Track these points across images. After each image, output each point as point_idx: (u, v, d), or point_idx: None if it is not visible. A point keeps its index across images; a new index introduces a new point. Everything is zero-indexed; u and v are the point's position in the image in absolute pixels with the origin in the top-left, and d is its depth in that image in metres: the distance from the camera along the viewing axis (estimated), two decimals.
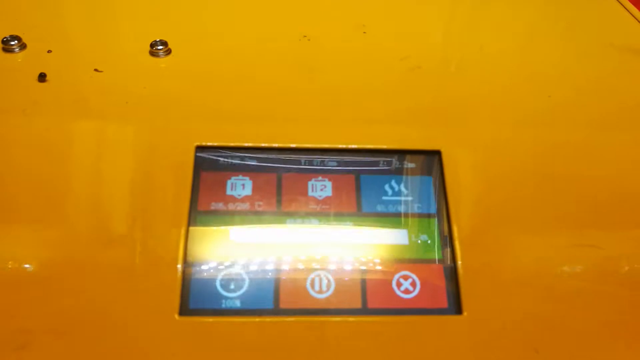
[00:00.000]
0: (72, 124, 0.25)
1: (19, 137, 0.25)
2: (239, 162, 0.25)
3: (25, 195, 0.23)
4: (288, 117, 0.27)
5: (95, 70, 0.28)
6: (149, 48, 0.30)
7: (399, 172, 0.26)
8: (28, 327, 0.21)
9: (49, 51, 0.29)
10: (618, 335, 0.22)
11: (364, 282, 0.23)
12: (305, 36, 0.32)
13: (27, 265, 0.22)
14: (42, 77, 0.27)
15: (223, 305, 0.22)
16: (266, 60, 0.30)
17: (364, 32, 0.33)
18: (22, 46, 0.29)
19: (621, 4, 0.37)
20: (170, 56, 0.30)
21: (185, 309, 0.22)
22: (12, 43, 0.29)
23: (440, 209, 0.25)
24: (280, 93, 0.28)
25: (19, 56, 0.29)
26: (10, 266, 0.21)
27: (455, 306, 0.23)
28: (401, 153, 0.26)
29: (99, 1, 0.33)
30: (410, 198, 0.25)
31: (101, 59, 0.29)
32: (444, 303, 0.23)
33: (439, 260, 0.24)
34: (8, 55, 0.29)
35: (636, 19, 0.36)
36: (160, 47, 0.29)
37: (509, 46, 0.32)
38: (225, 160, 0.25)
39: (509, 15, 0.36)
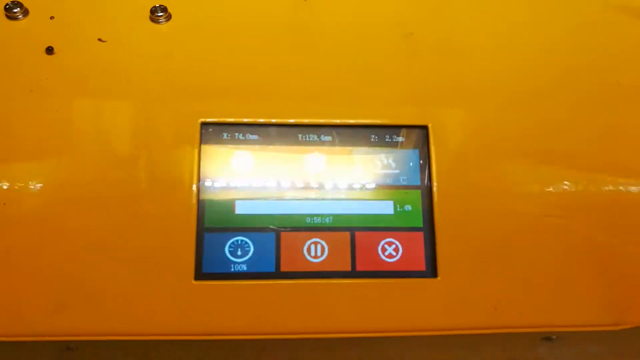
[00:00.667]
0: (81, 101, 0.27)
1: (32, 114, 0.27)
2: (242, 135, 0.27)
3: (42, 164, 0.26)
4: (285, 93, 0.28)
5: (99, 40, 0.29)
6: (149, 14, 0.30)
7: (388, 146, 0.28)
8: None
9: (52, 17, 0.30)
10: (563, 297, 0.26)
11: (353, 248, 0.26)
12: None
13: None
14: (49, 50, 0.28)
15: (230, 270, 0.26)
16: (265, 25, 0.31)
17: None
18: (25, 12, 0.30)
19: None
20: (170, 22, 0.30)
21: (199, 274, 0.25)
22: (15, 10, 0.29)
23: (425, 182, 0.27)
24: (277, 66, 0.29)
25: (22, 23, 0.30)
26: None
27: (432, 270, 0.26)
28: (391, 128, 0.28)
29: None
30: (397, 171, 0.28)
31: (103, 27, 0.30)
32: (422, 267, 0.26)
33: (419, 229, 0.27)
34: (12, 22, 0.29)
35: None
36: (160, 14, 0.30)
37: (501, 25, 0.32)
38: (228, 136, 0.27)
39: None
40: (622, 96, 0.30)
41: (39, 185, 0.25)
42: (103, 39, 0.29)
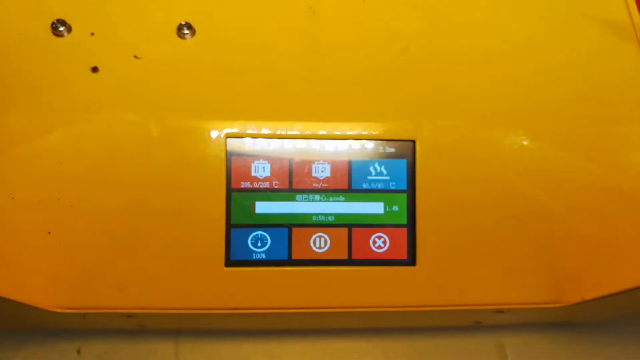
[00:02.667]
0: (126, 117, 0.32)
1: (84, 132, 0.32)
2: (257, 150, 0.33)
3: (91, 179, 0.31)
4: (295, 112, 0.33)
5: (135, 57, 0.34)
6: (176, 31, 0.34)
7: (381, 156, 0.34)
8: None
9: (92, 34, 0.34)
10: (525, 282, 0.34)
11: (349, 241, 0.33)
12: (311, 7, 0.36)
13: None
14: (94, 70, 0.33)
15: (253, 257, 0.32)
16: (277, 39, 0.35)
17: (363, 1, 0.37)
18: (69, 29, 0.34)
19: None
20: (195, 37, 0.35)
21: (228, 261, 0.32)
22: (61, 29, 0.34)
23: (410, 187, 0.33)
24: (288, 84, 0.34)
25: (67, 39, 0.34)
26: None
27: (412, 259, 0.33)
28: (384, 141, 0.34)
29: None
30: (387, 177, 0.34)
31: (137, 43, 0.34)
32: (404, 256, 0.33)
33: (404, 225, 0.33)
34: (57, 39, 0.34)
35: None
36: (186, 32, 0.34)
37: (493, 42, 0.37)
38: (249, 148, 0.33)
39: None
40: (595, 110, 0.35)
41: (99, 190, 0.31)
42: (138, 56, 0.34)
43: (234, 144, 0.33)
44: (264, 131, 0.33)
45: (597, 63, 0.37)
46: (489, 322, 0.40)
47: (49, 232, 0.31)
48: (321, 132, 0.33)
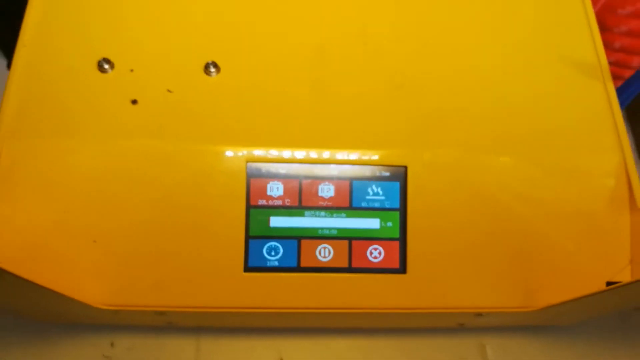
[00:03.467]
0: (161, 143, 0.38)
1: (126, 155, 0.37)
2: (272, 172, 0.39)
3: (123, 197, 0.37)
4: (305, 140, 0.39)
5: (168, 90, 0.39)
6: (203, 68, 0.40)
7: (378, 179, 0.39)
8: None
9: (132, 70, 0.40)
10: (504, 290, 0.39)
11: (350, 252, 0.39)
12: (320, 48, 0.42)
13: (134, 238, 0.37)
14: (134, 102, 0.39)
15: (267, 265, 0.38)
16: (290, 77, 0.41)
17: (365, 44, 0.43)
18: (112, 66, 0.40)
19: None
20: (220, 74, 0.40)
21: (247, 267, 0.38)
22: (105, 66, 0.39)
23: (402, 205, 0.39)
24: (299, 116, 0.40)
25: (110, 75, 0.40)
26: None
27: (403, 268, 0.39)
28: (380, 166, 0.39)
29: (159, 31, 0.42)
30: (383, 197, 0.39)
31: (170, 79, 0.40)
32: (396, 265, 0.39)
33: (397, 239, 0.39)
34: (102, 75, 0.40)
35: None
36: (212, 70, 0.40)
37: (481, 74, 0.43)
38: (266, 171, 0.38)
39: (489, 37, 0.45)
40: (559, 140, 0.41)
41: (138, 206, 0.37)
42: (171, 90, 0.40)
43: (252, 168, 0.38)
44: (278, 157, 0.38)
45: (568, 98, 0.43)
46: (471, 324, 0.45)
47: (94, 241, 0.37)
48: (326, 158, 0.39)
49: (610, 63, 0.49)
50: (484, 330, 0.48)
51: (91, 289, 0.36)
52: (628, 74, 0.49)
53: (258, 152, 0.38)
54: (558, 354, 0.48)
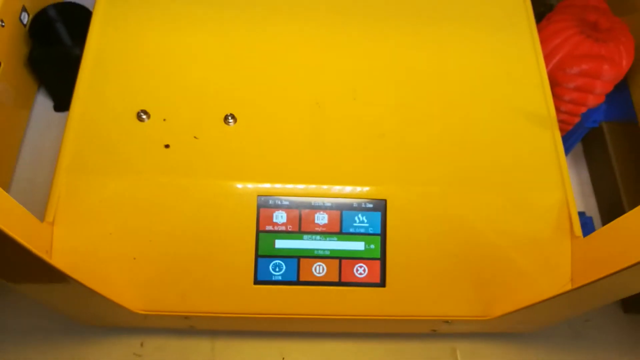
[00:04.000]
0: (189, 180, 0.47)
1: (160, 190, 0.47)
2: (278, 203, 0.48)
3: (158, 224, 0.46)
4: (304, 178, 0.48)
5: (195, 137, 0.49)
6: (223, 119, 0.50)
7: (363, 209, 0.48)
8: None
9: (164, 119, 0.49)
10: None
11: (339, 269, 0.47)
12: (317, 103, 0.51)
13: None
14: (167, 146, 0.48)
15: (272, 279, 0.47)
16: (292, 126, 0.50)
17: (354, 99, 0.52)
18: (148, 116, 0.49)
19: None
20: (237, 124, 0.50)
21: (256, 280, 0.46)
22: (143, 116, 0.49)
23: (382, 231, 0.48)
24: (300, 158, 0.49)
25: (147, 124, 0.49)
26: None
27: (383, 283, 0.47)
28: (364, 199, 0.48)
29: (187, 88, 0.51)
30: (367, 224, 0.48)
31: (196, 128, 0.49)
32: (377, 280, 0.48)
33: (378, 259, 0.48)
34: (140, 124, 0.49)
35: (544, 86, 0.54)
36: (231, 120, 0.50)
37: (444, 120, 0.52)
38: (273, 202, 0.48)
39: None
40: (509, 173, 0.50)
41: (169, 230, 0.46)
42: (197, 137, 0.49)
43: (261, 200, 0.47)
44: (282, 191, 0.48)
45: (522, 144, 0.52)
46: (442, 330, 0.54)
47: (134, 258, 0.46)
48: (321, 192, 0.48)
49: (562, 112, 0.58)
50: (455, 336, 0.57)
51: (130, 296, 0.45)
52: (576, 121, 0.58)
53: (266, 187, 0.48)
54: (521, 358, 0.56)
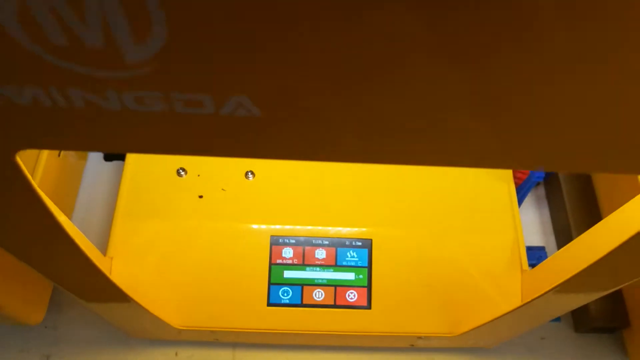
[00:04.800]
0: (218, 223, 0.60)
1: (195, 232, 0.60)
2: (286, 241, 0.61)
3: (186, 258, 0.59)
4: (307, 221, 0.61)
5: (223, 189, 0.62)
6: (244, 174, 0.63)
7: (353, 247, 0.61)
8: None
9: (199, 175, 0.63)
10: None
11: (334, 294, 0.60)
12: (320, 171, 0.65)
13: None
14: (200, 197, 0.61)
15: (281, 302, 0.60)
16: (298, 185, 0.63)
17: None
18: (186, 172, 0.63)
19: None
20: (255, 179, 0.63)
21: (269, 303, 0.59)
22: (182, 173, 0.62)
23: (369, 264, 0.61)
24: (304, 207, 0.62)
25: (185, 179, 0.63)
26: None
27: (369, 305, 0.60)
28: (354, 238, 0.61)
29: None
30: (357, 258, 0.61)
31: (223, 182, 0.63)
32: (365, 304, 0.60)
33: (365, 286, 0.60)
34: (179, 179, 0.63)
35: None
36: (250, 176, 0.63)
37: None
38: (282, 241, 0.61)
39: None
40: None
41: (201, 262, 0.59)
42: (224, 189, 0.62)
43: (273, 239, 0.60)
44: (290, 231, 0.61)
45: (483, 194, 0.65)
46: (419, 345, 0.66)
47: (171, 284, 0.59)
48: (320, 232, 0.61)
49: (516, 170, 0.70)
50: (430, 350, 0.69)
51: (170, 315, 0.58)
52: (526, 176, 0.70)
53: (277, 228, 0.61)
54: None
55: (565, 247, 0.55)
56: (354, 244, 0.61)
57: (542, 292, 0.49)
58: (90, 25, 0.16)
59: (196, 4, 0.15)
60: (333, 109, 0.20)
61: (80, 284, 0.48)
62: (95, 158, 0.79)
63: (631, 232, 0.35)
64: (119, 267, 0.59)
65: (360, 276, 0.61)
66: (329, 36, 0.16)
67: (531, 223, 0.79)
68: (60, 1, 0.15)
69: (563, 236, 0.76)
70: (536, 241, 0.78)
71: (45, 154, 0.61)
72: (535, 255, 0.71)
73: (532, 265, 0.70)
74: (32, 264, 0.40)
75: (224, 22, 0.16)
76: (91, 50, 0.17)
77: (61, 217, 0.33)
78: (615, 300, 0.68)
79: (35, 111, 0.20)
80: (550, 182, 0.78)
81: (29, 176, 0.27)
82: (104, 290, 0.49)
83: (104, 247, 0.59)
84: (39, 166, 0.60)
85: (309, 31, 0.16)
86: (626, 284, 0.46)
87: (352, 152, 0.23)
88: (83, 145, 0.23)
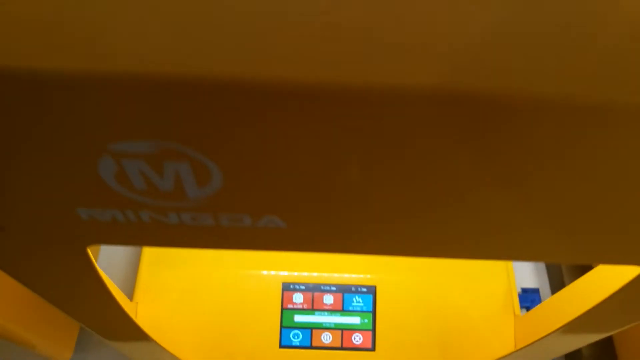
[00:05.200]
0: (235, 272, 0.66)
1: (212, 282, 0.65)
2: (297, 287, 0.66)
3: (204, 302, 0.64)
4: (315, 269, 0.66)
5: None
6: None
7: (359, 293, 0.66)
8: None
9: None
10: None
11: (342, 337, 0.65)
12: None
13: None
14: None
15: (292, 344, 0.64)
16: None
17: None
18: None
19: None
20: None
21: (280, 345, 0.64)
22: None
23: (373, 309, 0.66)
24: (312, 259, 0.67)
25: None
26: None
27: (373, 347, 0.65)
28: (360, 285, 0.66)
29: None
30: (362, 303, 0.66)
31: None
32: (370, 346, 0.65)
33: (370, 330, 0.65)
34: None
35: None
36: None
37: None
38: (293, 287, 0.66)
39: None
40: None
41: (219, 305, 0.64)
42: None
43: (285, 286, 0.66)
44: (300, 279, 0.66)
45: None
46: None
47: (191, 327, 0.64)
48: (328, 279, 0.66)
49: None
50: None
51: (189, 354, 0.63)
52: None
53: (288, 275, 0.66)
54: None
55: (557, 293, 0.60)
56: (359, 290, 0.66)
57: (535, 338, 0.54)
58: (165, 179, 0.21)
59: (244, 168, 0.21)
60: (354, 233, 0.25)
61: (110, 328, 0.53)
62: None
63: (625, 280, 0.38)
64: (143, 310, 0.64)
65: (365, 320, 0.65)
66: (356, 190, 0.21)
67: (526, 263, 0.84)
68: (148, 167, 0.21)
69: (555, 279, 0.81)
70: (530, 282, 0.83)
71: None
72: (529, 298, 0.76)
73: (526, 308, 0.75)
74: (69, 313, 0.45)
75: (264, 176, 0.21)
76: (163, 192, 0.22)
77: (101, 273, 0.39)
78: (605, 342, 0.73)
79: (111, 224, 0.25)
80: None
81: (89, 252, 0.32)
82: (130, 332, 0.54)
83: (124, 291, 0.64)
84: None
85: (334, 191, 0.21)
86: (619, 329, 0.50)
87: (371, 250, 0.29)
88: (141, 242, 0.28)
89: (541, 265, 0.84)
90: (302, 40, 0.15)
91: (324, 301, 0.66)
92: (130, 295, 0.64)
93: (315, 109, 0.17)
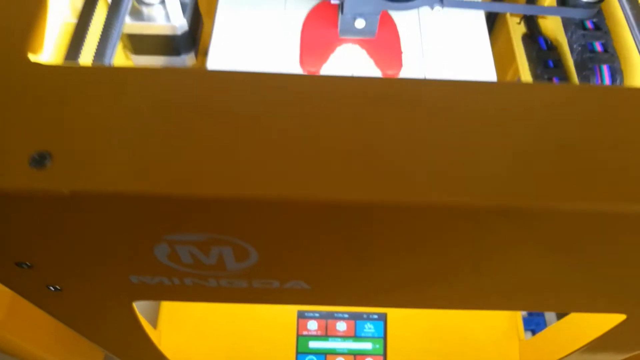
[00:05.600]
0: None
1: (231, 313, 0.69)
2: (311, 315, 0.69)
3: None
4: (327, 301, 0.70)
5: None
6: None
7: (370, 319, 0.69)
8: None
9: None
10: None
11: None
12: None
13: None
14: None
15: None
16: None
17: None
18: None
19: None
20: None
21: None
22: None
23: (384, 335, 0.69)
24: None
25: None
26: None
27: None
28: (371, 313, 0.69)
29: None
30: (373, 330, 0.69)
31: None
32: None
33: (381, 354, 0.68)
34: None
35: None
36: None
37: None
38: (308, 315, 0.69)
39: None
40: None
41: (238, 335, 0.68)
42: None
43: (300, 314, 0.69)
44: (314, 308, 0.69)
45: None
46: None
47: (211, 353, 0.67)
48: (342, 307, 0.69)
49: None
50: None
51: None
52: None
53: (304, 306, 0.69)
54: None
55: (561, 320, 0.63)
56: (370, 317, 0.70)
57: None
58: (210, 257, 0.25)
59: (277, 250, 0.25)
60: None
61: (137, 355, 0.57)
62: None
63: None
64: (166, 338, 0.67)
65: (377, 346, 0.69)
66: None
67: None
68: (196, 250, 0.24)
69: None
70: None
71: None
72: (534, 322, 0.79)
73: (531, 331, 0.78)
74: (100, 344, 0.49)
75: (293, 256, 0.25)
76: (206, 265, 0.26)
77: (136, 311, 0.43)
78: None
79: (158, 285, 0.29)
80: None
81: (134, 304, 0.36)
82: (154, 358, 0.58)
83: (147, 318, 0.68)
84: None
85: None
86: (635, 352, 0.53)
87: (386, 304, 0.32)
88: (180, 299, 0.32)
89: None
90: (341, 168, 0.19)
91: (337, 328, 0.69)
92: (153, 324, 0.68)
93: (347, 219, 0.21)
